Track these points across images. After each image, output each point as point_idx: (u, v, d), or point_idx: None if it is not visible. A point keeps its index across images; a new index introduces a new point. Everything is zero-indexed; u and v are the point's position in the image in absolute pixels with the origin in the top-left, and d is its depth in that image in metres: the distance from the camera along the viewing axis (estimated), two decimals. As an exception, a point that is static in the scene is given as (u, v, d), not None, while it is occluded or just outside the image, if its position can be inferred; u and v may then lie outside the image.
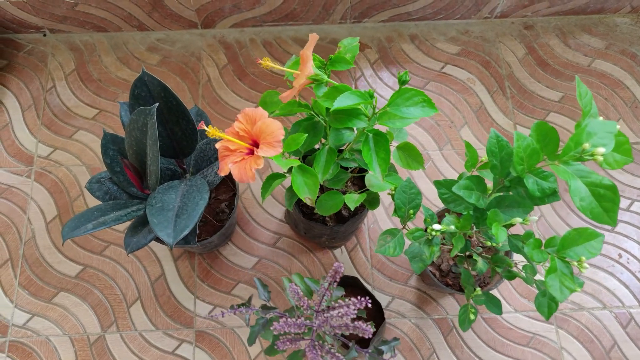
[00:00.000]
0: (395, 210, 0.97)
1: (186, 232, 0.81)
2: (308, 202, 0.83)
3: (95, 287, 1.22)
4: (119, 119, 1.38)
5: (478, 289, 0.91)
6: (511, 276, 0.90)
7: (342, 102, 0.74)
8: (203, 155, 0.98)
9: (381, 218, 1.29)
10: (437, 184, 0.88)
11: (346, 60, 0.87)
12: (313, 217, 1.12)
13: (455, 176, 1.33)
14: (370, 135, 0.80)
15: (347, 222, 1.09)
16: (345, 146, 0.97)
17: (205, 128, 0.68)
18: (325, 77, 0.82)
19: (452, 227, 0.83)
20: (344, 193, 1.09)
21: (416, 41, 1.48)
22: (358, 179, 1.15)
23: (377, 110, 0.78)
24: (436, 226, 0.84)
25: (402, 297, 1.22)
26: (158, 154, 0.77)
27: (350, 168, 1.03)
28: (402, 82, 0.72)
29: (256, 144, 0.72)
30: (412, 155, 0.97)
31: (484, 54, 1.46)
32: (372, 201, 1.00)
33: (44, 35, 1.48)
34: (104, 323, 1.20)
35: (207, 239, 1.11)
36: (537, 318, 1.20)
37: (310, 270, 1.24)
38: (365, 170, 1.09)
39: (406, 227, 1.00)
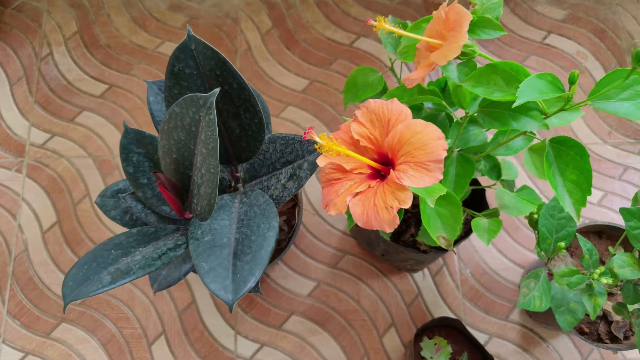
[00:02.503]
0: (538, 243, 0.68)
1: (251, 283, 0.53)
2: (442, 244, 0.55)
3: (107, 318, 0.94)
4: (133, 97, 1.07)
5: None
6: None
7: (530, 93, 0.44)
8: (262, 159, 0.68)
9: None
10: (628, 213, 0.59)
11: (493, 23, 0.57)
12: (401, 237, 0.83)
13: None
14: (548, 144, 0.51)
15: (456, 244, 0.81)
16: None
17: (316, 139, 0.39)
18: (476, 48, 0.52)
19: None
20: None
21: (511, 3, 1.16)
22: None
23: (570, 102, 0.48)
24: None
25: (502, 336, 0.95)
26: (217, 170, 0.48)
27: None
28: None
29: (388, 161, 0.43)
30: (552, 160, 0.67)
31: (598, 20, 1.14)
32: (495, 227, 0.70)
33: (38, -13, 1.16)
34: (119, 365, 0.92)
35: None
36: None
37: (383, 298, 0.96)
38: (478, 184, 0.80)
39: (548, 265, 0.71)
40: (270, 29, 1.13)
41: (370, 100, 0.44)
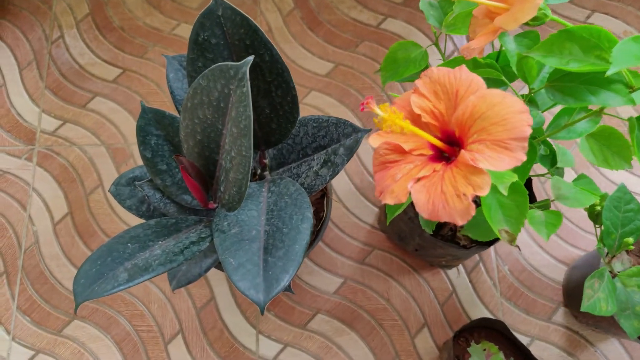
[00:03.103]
0: (600, 238, 0.61)
1: (285, 282, 0.47)
2: (504, 238, 0.48)
3: (121, 315, 0.89)
4: (148, 82, 1.02)
5: None
6: None
7: (625, 59, 0.37)
8: (292, 144, 0.62)
9: (514, 227, 0.93)
10: None
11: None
12: (440, 231, 0.76)
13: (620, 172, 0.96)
14: (637, 122, 0.44)
15: (495, 241, 0.74)
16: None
17: (377, 111, 0.32)
18: (549, 11, 0.45)
19: None
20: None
21: (550, -19, 1.08)
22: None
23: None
24: None
25: (545, 339, 0.88)
26: (250, 152, 0.41)
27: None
28: None
29: (453, 141, 0.36)
30: (613, 145, 0.61)
31: (646, -1, 1.06)
32: (554, 220, 0.63)
33: (48, -34, 1.11)
34: (134, 366, 0.87)
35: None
36: None
37: (415, 296, 0.90)
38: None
39: (610, 263, 0.64)
40: (292, 10, 1.07)
41: (432, 68, 0.37)
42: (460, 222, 0.33)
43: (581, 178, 0.64)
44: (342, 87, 1.01)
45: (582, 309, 0.56)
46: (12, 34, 1.05)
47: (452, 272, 0.91)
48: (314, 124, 0.60)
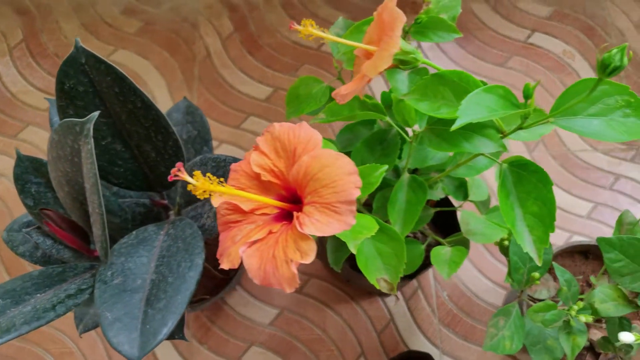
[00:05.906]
0: (509, 273, 0.60)
1: (162, 336, 0.45)
2: (383, 288, 0.46)
3: (49, 353, 0.86)
4: (83, 109, 1.00)
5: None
6: None
7: (475, 111, 0.36)
8: (196, 182, 0.60)
9: (451, 252, 0.91)
10: (607, 244, 0.50)
11: (446, 24, 0.49)
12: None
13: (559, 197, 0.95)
14: (506, 168, 0.42)
15: (418, 273, 0.73)
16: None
17: (188, 179, 0.31)
18: (420, 54, 0.43)
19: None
20: (417, 238, 0.73)
21: (492, 0, 1.08)
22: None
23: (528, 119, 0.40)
24: (626, 336, 0.46)
25: (483, 366, 0.86)
26: (102, 209, 0.39)
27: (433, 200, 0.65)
28: (610, 70, 0.33)
29: (296, 198, 0.35)
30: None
31: (586, 16, 1.06)
32: (458, 258, 0.61)
33: (-17, -7, 1.09)
34: (62, 405, 0.84)
35: (203, 300, 0.74)
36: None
37: (352, 326, 0.88)
38: (449, 203, 0.71)
39: (524, 298, 0.63)
40: (232, 34, 1.05)
41: (275, 124, 0.35)
42: (287, 290, 0.32)
43: (495, 210, 0.63)
44: (282, 112, 1.00)
45: (484, 349, 0.54)
46: (-55, 63, 1.03)
47: (390, 299, 0.90)
48: (213, 164, 0.58)
